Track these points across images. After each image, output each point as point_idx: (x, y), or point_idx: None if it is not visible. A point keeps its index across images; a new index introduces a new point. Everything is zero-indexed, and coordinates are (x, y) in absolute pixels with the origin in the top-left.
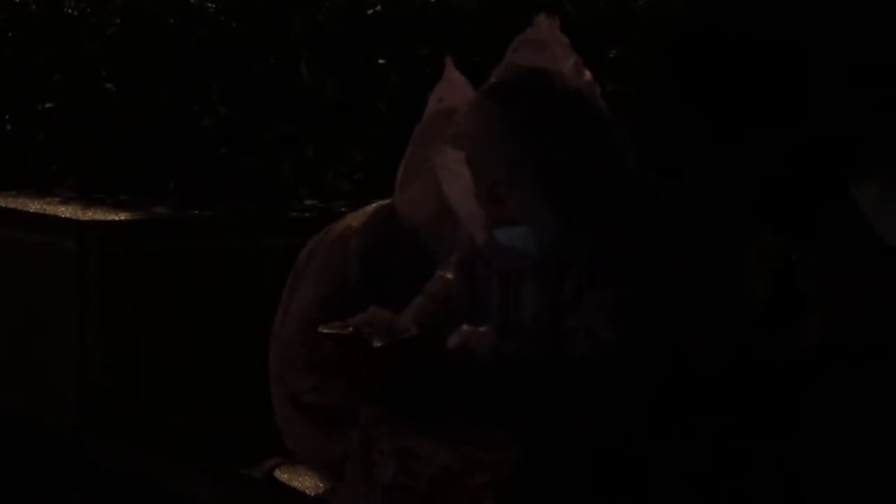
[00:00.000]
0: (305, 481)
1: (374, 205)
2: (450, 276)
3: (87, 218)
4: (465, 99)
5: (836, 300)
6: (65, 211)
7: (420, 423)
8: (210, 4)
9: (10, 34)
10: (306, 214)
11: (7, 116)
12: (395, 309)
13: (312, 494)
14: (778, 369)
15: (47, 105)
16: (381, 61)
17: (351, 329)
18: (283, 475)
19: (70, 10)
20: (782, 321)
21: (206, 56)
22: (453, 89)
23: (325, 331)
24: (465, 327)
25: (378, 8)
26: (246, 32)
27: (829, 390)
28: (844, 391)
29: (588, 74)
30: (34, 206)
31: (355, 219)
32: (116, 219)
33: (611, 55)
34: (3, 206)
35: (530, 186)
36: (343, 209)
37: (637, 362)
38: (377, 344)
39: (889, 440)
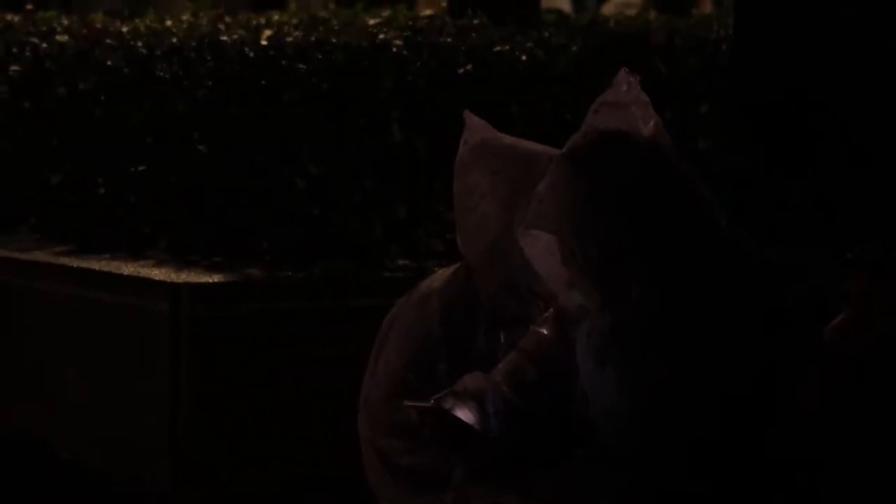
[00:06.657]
0: None
1: (456, 265)
2: (545, 332)
3: (180, 280)
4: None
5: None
6: (158, 273)
7: (512, 484)
8: (301, 66)
9: (102, 97)
10: (399, 274)
11: (100, 180)
12: (477, 366)
13: None
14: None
15: (140, 168)
16: None
17: (433, 402)
18: None
19: (162, 73)
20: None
21: (297, 117)
22: (476, 132)
23: (409, 404)
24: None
25: (468, 67)
26: (336, 93)
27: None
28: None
29: (667, 136)
30: (127, 268)
31: (436, 280)
32: (210, 281)
33: (702, 111)
34: (97, 269)
35: (624, 254)
36: (436, 268)
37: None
38: (460, 417)
39: None
